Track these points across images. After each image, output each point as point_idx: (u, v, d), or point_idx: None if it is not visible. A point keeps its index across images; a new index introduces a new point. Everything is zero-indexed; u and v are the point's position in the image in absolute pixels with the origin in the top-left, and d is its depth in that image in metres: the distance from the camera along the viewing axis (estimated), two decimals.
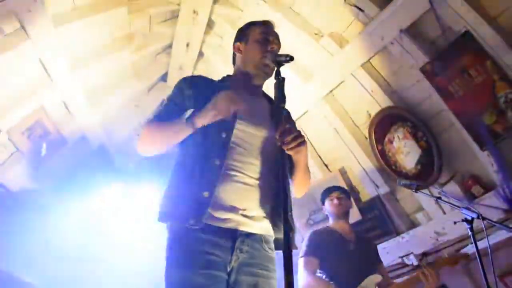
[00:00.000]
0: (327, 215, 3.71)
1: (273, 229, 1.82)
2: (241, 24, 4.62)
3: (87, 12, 3.93)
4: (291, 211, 1.78)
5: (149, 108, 5.82)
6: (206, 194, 1.68)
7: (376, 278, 3.17)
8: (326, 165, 4.86)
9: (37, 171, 4.55)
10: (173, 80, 5.51)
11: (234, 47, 2.17)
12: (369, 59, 3.98)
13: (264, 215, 1.80)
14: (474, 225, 2.67)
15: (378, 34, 3.75)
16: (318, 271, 3.19)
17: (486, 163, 3.46)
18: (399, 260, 4.15)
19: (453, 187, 3.71)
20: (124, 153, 5.77)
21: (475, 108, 3.36)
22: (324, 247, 3.25)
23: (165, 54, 5.34)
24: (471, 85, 3.35)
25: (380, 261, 3.48)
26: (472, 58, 3.31)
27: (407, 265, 4.11)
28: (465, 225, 2.67)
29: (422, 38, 3.59)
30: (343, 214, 3.53)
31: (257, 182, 1.80)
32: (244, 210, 1.74)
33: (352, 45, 3.99)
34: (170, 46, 5.15)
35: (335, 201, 3.53)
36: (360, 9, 3.80)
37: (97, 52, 4.45)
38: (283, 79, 1.67)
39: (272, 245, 1.84)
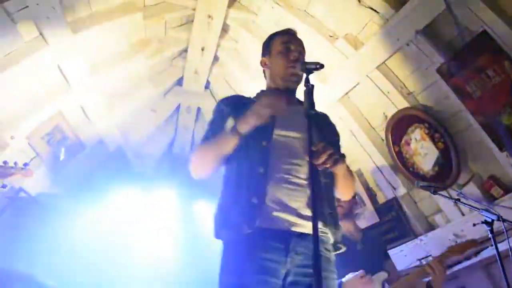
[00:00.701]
0: None
1: (325, 229, 1.82)
2: (256, 28, 4.69)
3: (104, 18, 4.00)
4: (334, 209, 1.88)
5: (165, 112, 5.87)
6: (254, 200, 1.72)
7: (382, 275, 3.15)
8: None
9: (56, 175, 4.62)
10: (189, 84, 5.56)
11: (260, 63, 2.24)
12: (385, 61, 3.95)
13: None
14: (494, 227, 2.64)
15: (393, 35, 3.72)
16: None
17: (505, 164, 3.40)
18: (418, 263, 4.10)
19: (472, 189, 3.66)
20: (141, 157, 5.82)
21: (493, 108, 3.30)
22: None
23: (181, 58, 5.38)
24: (488, 85, 3.29)
25: (388, 257, 3.43)
26: (490, 58, 3.25)
27: None
28: (485, 227, 2.65)
29: (438, 39, 3.55)
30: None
31: (306, 182, 1.81)
32: (296, 210, 1.75)
33: (367, 47, 3.97)
34: (185, 50, 5.19)
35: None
36: (375, 10, 3.78)
37: (114, 58, 4.52)
38: (313, 86, 1.69)
39: (329, 246, 1.85)
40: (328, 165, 1.68)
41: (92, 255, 4.58)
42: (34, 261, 3.99)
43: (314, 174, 1.63)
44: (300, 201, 1.77)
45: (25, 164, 3.36)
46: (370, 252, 3.36)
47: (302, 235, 1.73)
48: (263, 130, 1.84)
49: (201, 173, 1.99)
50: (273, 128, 1.88)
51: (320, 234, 1.74)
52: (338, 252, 1.90)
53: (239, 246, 1.72)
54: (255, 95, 2.22)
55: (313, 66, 1.74)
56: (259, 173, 1.78)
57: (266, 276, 1.64)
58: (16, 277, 3.72)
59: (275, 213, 1.73)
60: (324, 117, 2.24)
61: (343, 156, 1.90)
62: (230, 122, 1.91)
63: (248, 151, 1.84)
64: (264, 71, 2.26)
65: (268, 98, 1.79)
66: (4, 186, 3.25)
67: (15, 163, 3.30)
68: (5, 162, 3.23)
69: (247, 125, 1.78)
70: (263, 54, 2.23)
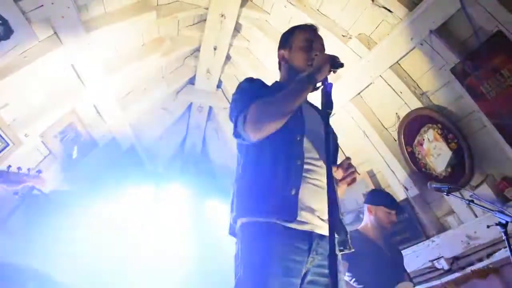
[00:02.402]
0: (359, 214, 3.65)
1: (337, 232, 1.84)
2: (268, 27, 4.69)
3: (117, 18, 4.02)
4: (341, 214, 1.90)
5: (177, 111, 5.90)
6: (293, 191, 1.72)
7: (408, 285, 3.13)
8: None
9: (69, 173, 4.66)
10: (201, 83, 5.57)
11: (278, 55, 2.18)
12: (398, 61, 3.93)
13: None
14: (508, 228, 2.61)
15: (407, 35, 3.70)
16: (347, 274, 3.17)
17: None
18: (429, 264, 4.08)
19: (485, 190, 3.62)
20: (153, 155, 5.86)
21: (507, 109, 3.27)
22: (356, 252, 3.19)
23: (193, 57, 5.40)
24: (503, 85, 3.26)
25: (405, 270, 3.43)
26: (505, 58, 3.22)
27: (437, 269, 4.04)
28: (499, 228, 2.62)
29: (453, 39, 3.52)
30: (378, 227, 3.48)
31: (325, 185, 1.78)
32: (319, 212, 1.77)
33: (381, 47, 3.95)
34: (198, 49, 5.21)
35: (394, 218, 3.46)
36: (388, 10, 3.76)
37: (127, 57, 4.54)
38: (331, 85, 1.68)
39: (340, 247, 1.88)
40: (347, 183, 1.78)
41: (104, 252, 4.62)
42: (47, 258, 4.03)
43: (330, 177, 1.58)
44: (322, 203, 1.78)
45: (38, 171, 3.28)
46: (395, 260, 3.34)
47: (321, 236, 1.75)
48: (296, 125, 1.84)
49: (264, 129, 1.79)
50: (304, 124, 1.89)
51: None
52: (342, 252, 1.92)
53: (267, 243, 1.67)
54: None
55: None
56: (298, 165, 1.78)
57: (290, 278, 1.64)
58: (29, 275, 3.76)
59: (303, 213, 1.73)
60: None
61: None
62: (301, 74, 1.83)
63: (284, 141, 1.82)
64: (279, 64, 2.21)
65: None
66: (16, 193, 3.19)
67: (28, 170, 3.21)
68: (18, 169, 3.16)
69: (322, 74, 1.73)
70: (282, 47, 2.17)
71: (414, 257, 4.14)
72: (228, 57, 5.32)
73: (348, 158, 1.81)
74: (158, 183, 5.76)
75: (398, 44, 3.81)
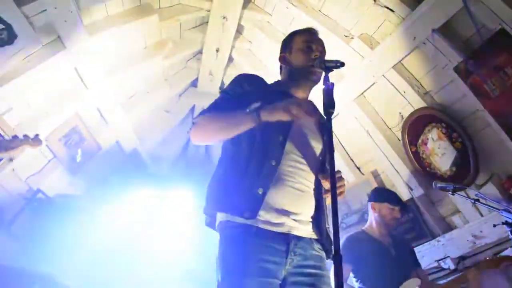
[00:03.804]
0: (363, 214, 3.64)
1: (317, 233, 1.83)
2: (270, 28, 4.69)
3: (120, 21, 4.03)
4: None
5: (180, 114, 5.90)
6: (260, 191, 1.71)
7: (415, 282, 3.11)
8: (358, 168, 4.82)
9: (73, 176, 4.67)
10: (204, 85, 5.58)
11: (279, 59, 2.20)
12: (401, 60, 3.92)
13: (311, 219, 1.82)
14: None
15: (409, 34, 3.69)
16: (352, 276, 3.16)
17: None
18: (435, 264, 4.06)
19: (490, 189, 3.60)
20: (156, 158, 5.86)
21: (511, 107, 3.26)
22: (360, 253, 3.19)
23: (196, 60, 5.42)
24: (507, 83, 3.24)
25: (419, 264, 3.41)
26: (508, 56, 3.20)
27: (443, 269, 4.02)
28: (505, 227, 2.61)
29: (456, 37, 3.51)
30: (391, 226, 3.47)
31: (309, 188, 1.83)
32: (296, 214, 1.77)
33: (383, 46, 3.94)
34: (200, 52, 5.22)
35: (397, 215, 3.43)
36: (390, 9, 3.75)
37: (130, 60, 4.55)
38: (332, 84, 1.64)
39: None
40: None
41: (109, 255, 4.62)
42: (52, 261, 4.03)
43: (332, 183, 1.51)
44: (301, 206, 1.79)
45: (36, 136, 3.21)
46: (403, 258, 3.32)
47: (299, 237, 1.75)
48: (282, 125, 1.79)
49: (203, 141, 2.02)
50: (291, 127, 1.87)
51: (314, 237, 1.82)
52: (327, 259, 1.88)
53: (240, 247, 1.69)
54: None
55: (333, 64, 1.69)
56: (271, 165, 1.76)
57: (267, 278, 1.64)
58: (34, 278, 3.77)
59: (276, 215, 1.73)
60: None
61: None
62: (255, 104, 1.82)
63: (263, 140, 1.81)
64: (281, 68, 2.22)
65: (302, 103, 1.71)
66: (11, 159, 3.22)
67: (24, 136, 3.17)
68: (14, 137, 3.15)
69: (271, 117, 1.70)
70: (283, 51, 2.19)
71: (420, 257, 4.11)
72: (230, 59, 5.33)
73: (338, 172, 1.76)
74: (161, 185, 5.76)
75: (400, 43, 3.80)
